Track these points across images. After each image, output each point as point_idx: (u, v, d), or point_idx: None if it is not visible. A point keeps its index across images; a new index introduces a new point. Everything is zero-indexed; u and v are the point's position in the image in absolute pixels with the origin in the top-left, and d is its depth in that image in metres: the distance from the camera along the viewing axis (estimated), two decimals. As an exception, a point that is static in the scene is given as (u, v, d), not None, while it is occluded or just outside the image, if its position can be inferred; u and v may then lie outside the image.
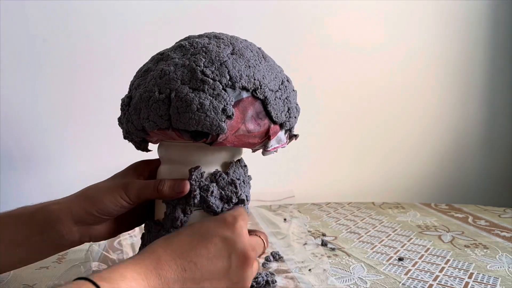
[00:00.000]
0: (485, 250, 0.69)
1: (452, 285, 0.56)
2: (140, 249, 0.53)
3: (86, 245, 0.69)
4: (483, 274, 0.59)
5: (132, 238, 0.75)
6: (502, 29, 1.18)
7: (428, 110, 1.18)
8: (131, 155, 0.56)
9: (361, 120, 1.14)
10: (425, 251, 0.69)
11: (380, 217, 0.91)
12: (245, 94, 0.44)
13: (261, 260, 0.64)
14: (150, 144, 0.52)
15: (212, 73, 0.43)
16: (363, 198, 1.10)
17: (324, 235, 0.78)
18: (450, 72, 1.18)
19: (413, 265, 0.63)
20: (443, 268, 0.62)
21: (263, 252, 0.45)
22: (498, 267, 0.62)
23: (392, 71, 1.14)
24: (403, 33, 1.13)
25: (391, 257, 0.67)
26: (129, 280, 0.34)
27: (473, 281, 0.57)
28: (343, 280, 0.57)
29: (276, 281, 0.56)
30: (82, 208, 0.45)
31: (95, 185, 0.48)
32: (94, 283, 0.32)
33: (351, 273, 0.60)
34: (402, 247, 0.71)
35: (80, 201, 0.46)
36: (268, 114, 0.46)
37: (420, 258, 0.66)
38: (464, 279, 0.58)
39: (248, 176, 0.52)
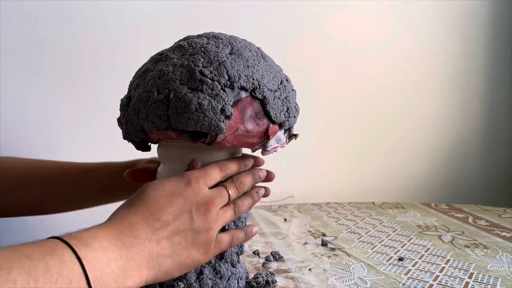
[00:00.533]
0: (485, 250, 0.69)
1: (452, 285, 0.56)
2: None
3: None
4: (483, 274, 0.59)
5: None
6: (502, 29, 1.18)
7: (428, 110, 1.18)
8: (131, 155, 0.56)
9: (361, 120, 1.14)
10: (425, 251, 0.69)
11: (380, 217, 0.91)
12: (243, 94, 0.44)
13: (261, 260, 0.64)
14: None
15: (211, 73, 0.43)
16: (363, 198, 1.10)
17: (324, 235, 0.78)
18: (450, 72, 1.18)
19: (413, 265, 0.63)
20: (443, 268, 0.62)
21: (229, 199, 0.46)
22: (498, 267, 0.62)
23: (392, 71, 1.14)
24: (403, 32, 1.13)
25: (391, 257, 0.67)
26: (100, 240, 0.35)
27: (473, 281, 0.57)
28: (343, 280, 0.57)
29: (276, 281, 0.56)
30: None
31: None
32: (65, 242, 0.33)
33: (351, 273, 0.60)
34: (402, 247, 0.71)
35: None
36: (267, 114, 0.45)
37: (420, 258, 0.66)
38: (464, 279, 0.58)
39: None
